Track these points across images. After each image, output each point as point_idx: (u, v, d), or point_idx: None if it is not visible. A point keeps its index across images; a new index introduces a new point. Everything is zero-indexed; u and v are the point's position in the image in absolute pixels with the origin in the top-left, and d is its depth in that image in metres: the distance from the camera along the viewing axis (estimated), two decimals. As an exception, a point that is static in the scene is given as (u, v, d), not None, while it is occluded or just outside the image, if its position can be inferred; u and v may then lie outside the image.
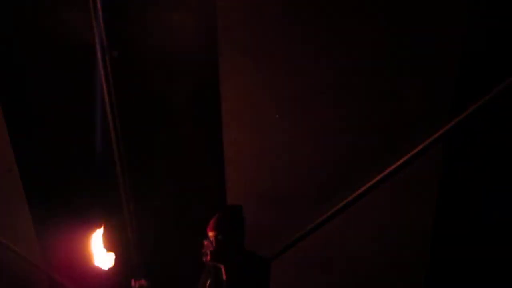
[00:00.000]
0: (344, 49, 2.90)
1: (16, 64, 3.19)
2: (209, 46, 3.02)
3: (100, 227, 2.59)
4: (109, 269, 2.60)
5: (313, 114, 3.07)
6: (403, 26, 2.80)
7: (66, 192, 3.42)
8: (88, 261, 2.56)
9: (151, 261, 3.25)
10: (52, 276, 3.69)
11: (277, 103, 3.07)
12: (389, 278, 3.37)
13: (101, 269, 2.59)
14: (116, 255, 2.63)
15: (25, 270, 3.70)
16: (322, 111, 3.06)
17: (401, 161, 3.02)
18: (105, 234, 2.60)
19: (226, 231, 2.31)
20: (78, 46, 3.07)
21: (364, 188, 3.12)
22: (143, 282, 2.70)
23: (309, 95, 3.02)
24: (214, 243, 2.31)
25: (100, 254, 2.58)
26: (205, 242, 2.33)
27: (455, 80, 2.85)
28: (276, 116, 3.11)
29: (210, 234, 2.32)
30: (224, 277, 2.36)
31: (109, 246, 2.61)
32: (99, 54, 3.00)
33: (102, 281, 2.82)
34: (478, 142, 2.99)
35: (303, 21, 2.89)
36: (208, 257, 2.33)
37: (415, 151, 2.98)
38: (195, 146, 3.26)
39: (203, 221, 2.84)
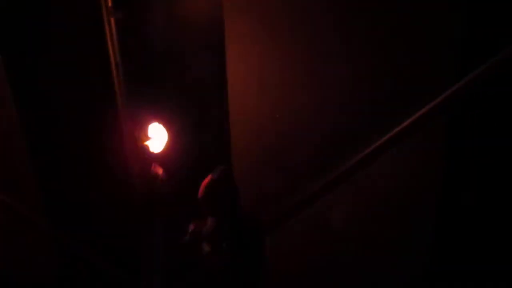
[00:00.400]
0: (349, 13, 2.87)
1: (19, 27, 3.19)
2: (215, 9, 3.01)
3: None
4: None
5: (319, 79, 3.04)
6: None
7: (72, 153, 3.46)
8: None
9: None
10: (59, 238, 3.73)
11: (283, 66, 3.05)
12: (394, 246, 3.39)
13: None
14: None
15: (31, 233, 3.74)
16: (327, 75, 3.03)
17: (407, 122, 2.99)
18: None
19: (209, 197, 2.31)
20: (83, 7, 3.06)
21: (368, 151, 3.12)
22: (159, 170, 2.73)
23: (315, 58, 3.00)
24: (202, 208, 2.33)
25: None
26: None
27: (460, 46, 2.82)
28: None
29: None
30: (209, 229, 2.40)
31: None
32: (104, 16, 3.01)
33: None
34: (484, 109, 2.98)
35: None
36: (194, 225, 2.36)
37: (420, 113, 2.97)
38: (200, 108, 3.26)
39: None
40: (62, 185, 3.54)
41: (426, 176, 3.14)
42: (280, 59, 3.04)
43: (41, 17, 3.13)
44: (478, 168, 3.09)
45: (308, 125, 3.16)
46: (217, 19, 3.00)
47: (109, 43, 3.04)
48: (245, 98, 3.15)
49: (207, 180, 2.34)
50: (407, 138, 3.02)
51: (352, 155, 3.13)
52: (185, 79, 3.23)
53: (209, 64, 3.16)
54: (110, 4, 3.04)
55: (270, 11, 2.95)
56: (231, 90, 3.13)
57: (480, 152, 3.05)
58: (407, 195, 3.22)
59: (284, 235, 3.41)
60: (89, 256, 3.69)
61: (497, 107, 2.93)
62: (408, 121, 2.99)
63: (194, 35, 3.09)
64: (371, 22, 2.87)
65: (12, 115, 3.37)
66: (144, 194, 2.78)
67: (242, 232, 2.39)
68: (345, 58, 2.97)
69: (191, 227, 2.49)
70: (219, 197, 2.33)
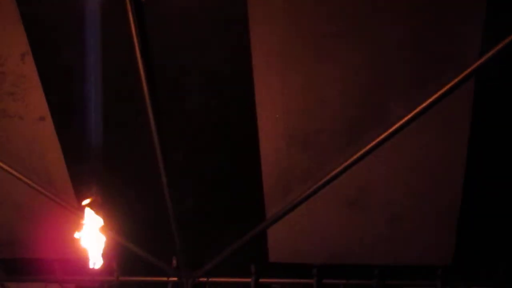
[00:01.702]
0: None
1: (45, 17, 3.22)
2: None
3: None
4: None
5: (343, 55, 3.04)
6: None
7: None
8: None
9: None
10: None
11: (307, 44, 3.04)
12: (420, 216, 3.41)
13: None
14: None
15: (59, 213, 3.84)
16: (352, 52, 3.02)
17: (433, 97, 3.04)
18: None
19: None
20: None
21: (395, 127, 3.15)
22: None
23: (340, 35, 2.98)
24: None
25: None
26: None
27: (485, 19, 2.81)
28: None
29: None
30: None
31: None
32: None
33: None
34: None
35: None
36: None
37: (446, 87, 2.99)
38: (226, 90, 3.27)
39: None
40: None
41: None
42: (306, 37, 3.01)
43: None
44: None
45: (333, 102, 3.16)
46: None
47: (133, 28, 3.04)
48: (270, 77, 3.14)
49: None
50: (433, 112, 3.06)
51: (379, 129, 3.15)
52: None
53: (232, 48, 3.14)
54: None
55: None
56: (256, 71, 3.12)
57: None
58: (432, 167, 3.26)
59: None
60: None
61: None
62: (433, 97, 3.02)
63: (216, 19, 3.06)
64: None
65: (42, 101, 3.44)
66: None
67: None
68: (374, 36, 2.96)
69: None
70: None
